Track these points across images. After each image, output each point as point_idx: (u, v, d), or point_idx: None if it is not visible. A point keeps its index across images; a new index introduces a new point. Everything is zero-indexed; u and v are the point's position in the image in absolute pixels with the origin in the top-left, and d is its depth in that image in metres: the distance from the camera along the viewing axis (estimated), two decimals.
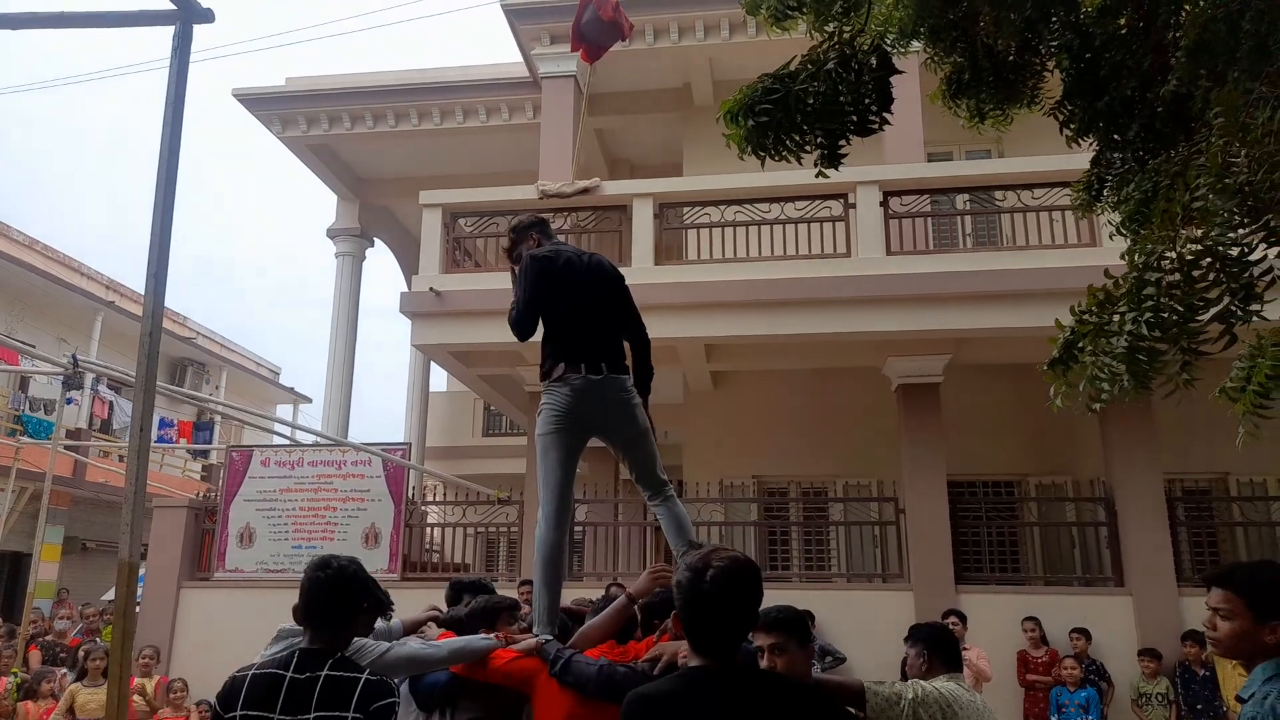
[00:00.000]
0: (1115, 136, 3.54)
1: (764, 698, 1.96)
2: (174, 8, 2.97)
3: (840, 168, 3.38)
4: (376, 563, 9.24)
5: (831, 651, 7.93)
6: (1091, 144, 3.72)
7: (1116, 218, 3.39)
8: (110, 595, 11.76)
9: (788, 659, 2.60)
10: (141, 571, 7.98)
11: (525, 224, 3.78)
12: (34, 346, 13.88)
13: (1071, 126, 3.66)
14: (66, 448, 14.22)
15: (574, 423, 3.29)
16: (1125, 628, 7.99)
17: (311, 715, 2.28)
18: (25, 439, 13.26)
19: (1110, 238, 6.82)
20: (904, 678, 3.48)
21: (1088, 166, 3.80)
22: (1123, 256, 2.71)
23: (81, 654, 7.47)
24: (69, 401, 13.72)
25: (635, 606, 3.06)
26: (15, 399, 16.40)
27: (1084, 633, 7.77)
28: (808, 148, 3.32)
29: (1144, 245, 2.63)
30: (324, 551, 3.03)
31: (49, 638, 9.53)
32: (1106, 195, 3.66)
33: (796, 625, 2.67)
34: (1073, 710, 7.22)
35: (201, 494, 12.46)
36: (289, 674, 2.36)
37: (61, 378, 7.83)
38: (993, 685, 7.29)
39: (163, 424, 18.87)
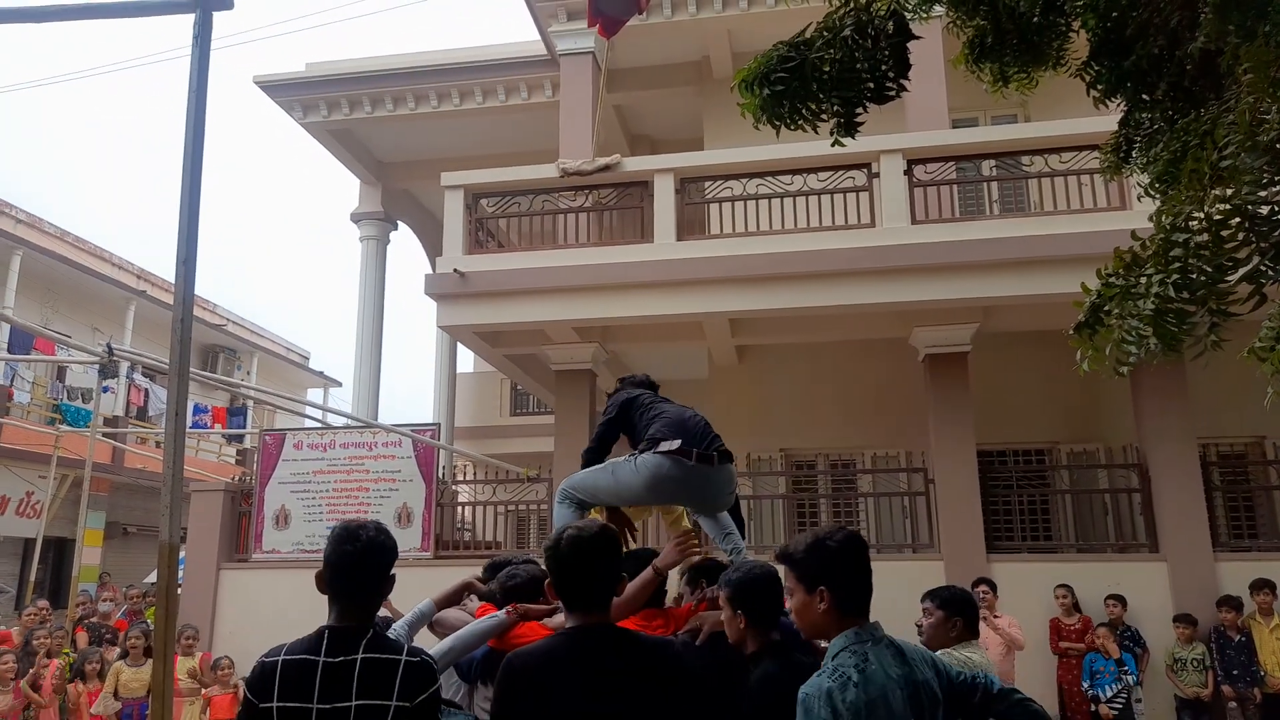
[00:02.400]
0: (1143, 96, 3.48)
1: (620, 652, 2.24)
2: None
3: (858, 136, 3.35)
4: (409, 542, 9.38)
5: None
6: (1119, 105, 3.65)
7: (1145, 179, 3.34)
8: (152, 577, 12.04)
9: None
10: (181, 554, 8.15)
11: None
12: (69, 337, 14.15)
13: (1098, 87, 3.60)
14: (104, 435, 14.53)
15: (666, 495, 3.46)
16: (1160, 594, 7.94)
17: (353, 703, 2.15)
18: (64, 427, 13.56)
19: (1139, 199, 6.71)
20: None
21: (1115, 128, 3.73)
22: (1150, 218, 2.67)
23: (124, 635, 7.69)
24: (105, 390, 14.01)
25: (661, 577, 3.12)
26: (53, 388, 16.74)
27: (1120, 599, 7.73)
28: (824, 116, 3.29)
29: (1172, 206, 2.60)
30: None
31: (94, 619, 9.77)
32: (1135, 156, 3.60)
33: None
34: (1107, 676, 7.19)
35: (237, 478, 12.68)
36: (321, 659, 2.20)
37: (97, 367, 7.98)
38: (1025, 653, 7.28)
39: (197, 410, 19.20)
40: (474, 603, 3.46)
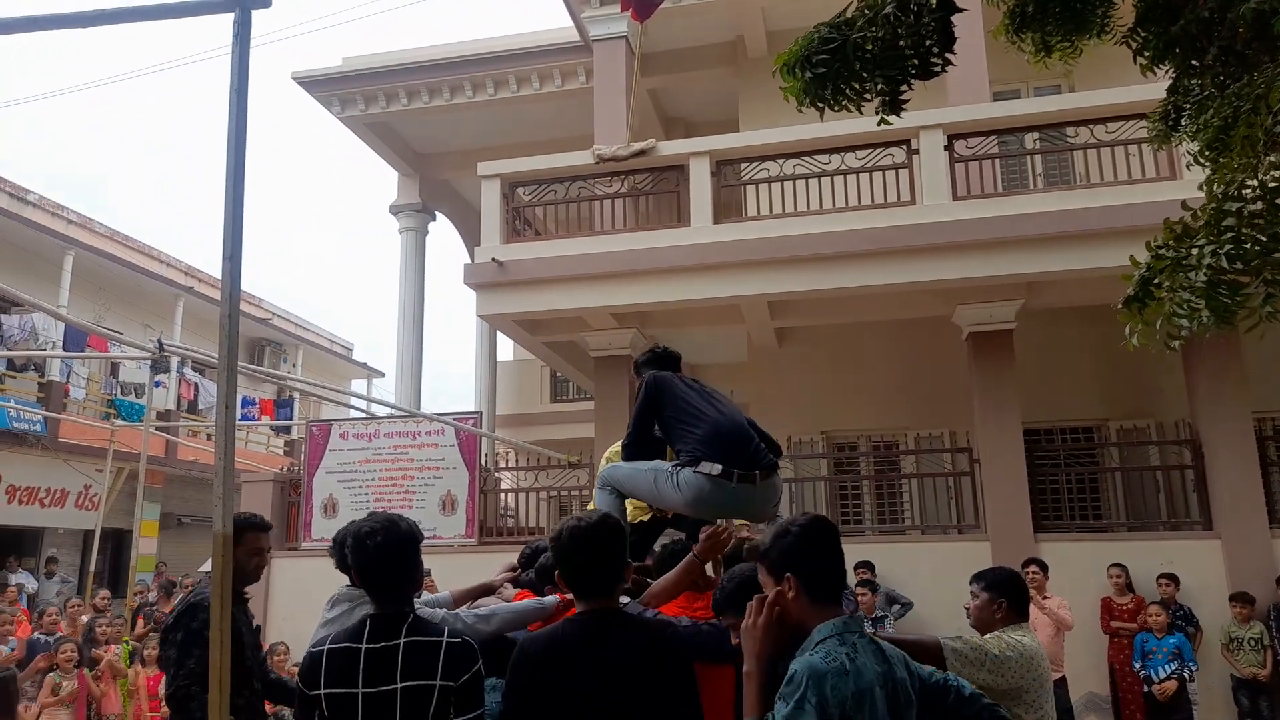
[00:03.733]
0: (1193, 62, 3.38)
1: (624, 635, 2.33)
2: None
3: (902, 114, 3.30)
4: (454, 529, 9.52)
5: (898, 598, 7.92)
6: (1167, 71, 3.55)
7: (1195, 147, 3.25)
8: (206, 566, 12.35)
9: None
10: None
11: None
12: (122, 333, 14.52)
13: (1145, 54, 3.50)
14: (157, 429, 14.91)
15: (708, 513, 3.38)
16: (1215, 572, 7.77)
17: (399, 686, 2.21)
18: (119, 422, 13.92)
19: (1188, 168, 6.52)
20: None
21: (1164, 95, 3.64)
22: (1201, 187, 2.60)
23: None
24: (157, 384, 14.36)
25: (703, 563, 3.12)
26: (107, 384, 17.21)
27: (1172, 578, 7.58)
28: (868, 95, 3.24)
29: (1224, 174, 2.53)
30: None
31: (153, 607, 10.06)
32: (1184, 124, 3.50)
33: (735, 600, 2.52)
34: (1160, 657, 7.06)
35: (285, 468, 12.93)
36: (364, 645, 2.28)
37: (149, 362, 8.18)
38: (1075, 634, 7.19)
39: (245, 403, 19.61)
40: (509, 590, 3.49)
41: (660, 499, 3.40)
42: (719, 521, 3.60)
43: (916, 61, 3.19)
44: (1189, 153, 3.45)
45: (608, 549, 2.42)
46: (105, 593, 9.38)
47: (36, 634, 8.04)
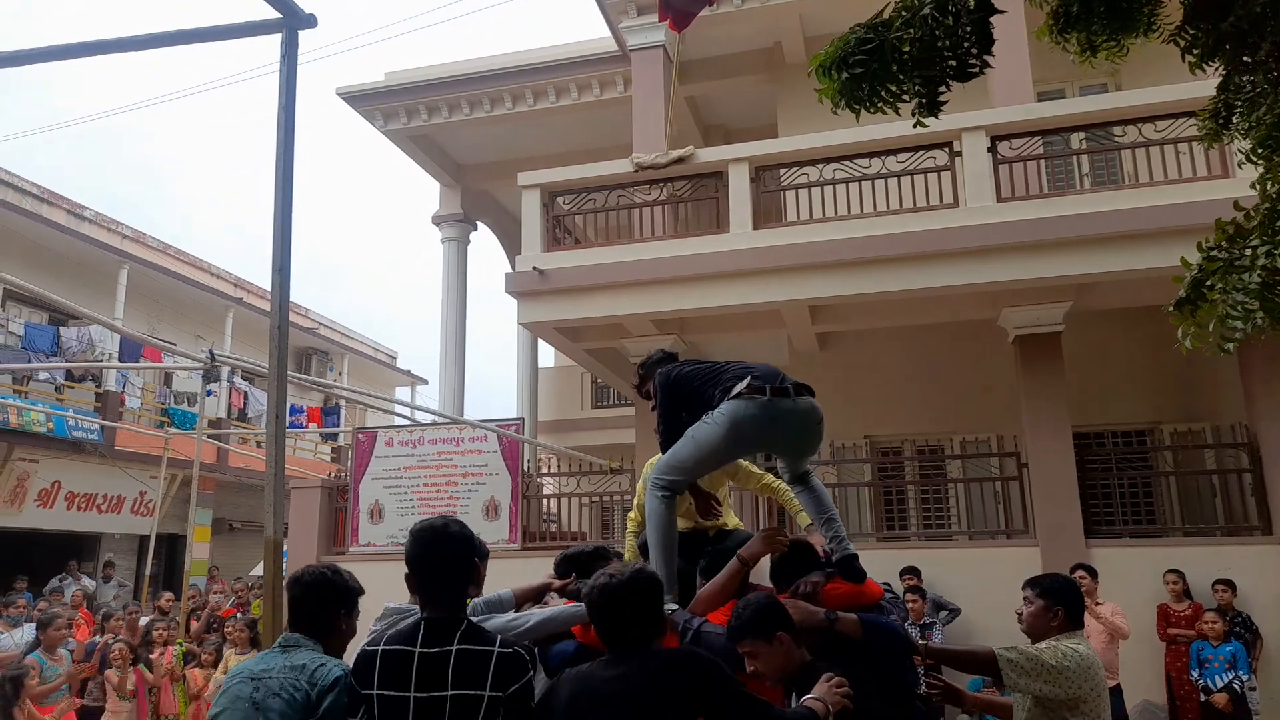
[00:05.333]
0: (1244, 58, 3.30)
1: (646, 668, 2.32)
2: (279, 15, 3.12)
3: (941, 115, 3.27)
4: (497, 534, 9.59)
5: (945, 605, 7.81)
6: (1217, 68, 3.47)
7: (1247, 145, 3.18)
8: (258, 570, 12.59)
9: (761, 659, 2.61)
10: (284, 548, 8.52)
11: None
12: (175, 344, 14.90)
13: (1195, 52, 3.43)
14: (209, 436, 15.25)
15: (752, 444, 3.40)
16: (1274, 577, 7.54)
17: (449, 693, 2.23)
18: (173, 430, 14.27)
19: (1240, 166, 6.36)
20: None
21: (1214, 92, 3.56)
22: (1253, 186, 2.54)
23: (231, 625, 8.10)
24: (209, 394, 14.69)
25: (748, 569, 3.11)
26: (160, 393, 17.65)
27: (1229, 584, 7.37)
28: (905, 97, 3.22)
29: (1277, 172, 2.47)
30: None
31: (208, 610, 10.28)
32: (1236, 121, 3.42)
33: (751, 628, 2.62)
34: (1217, 665, 6.87)
35: (332, 474, 13.16)
36: (418, 649, 2.29)
37: (201, 372, 8.38)
38: (1129, 641, 7.02)
39: (293, 410, 19.97)
40: (556, 599, 3.50)
41: (703, 451, 3.30)
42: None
43: (954, 63, 3.17)
44: (1240, 151, 3.38)
45: (640, 605, 2.41)
46: (169, 595, 9.61)
47: (96, 637, 8.26)
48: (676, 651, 2.47)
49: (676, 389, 3.46)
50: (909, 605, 7.44)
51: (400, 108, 12.46)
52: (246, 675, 2.33)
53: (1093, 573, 7.10)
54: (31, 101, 64.57)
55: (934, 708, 3.34)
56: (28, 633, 8.12)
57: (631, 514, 4.45)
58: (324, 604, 2.49)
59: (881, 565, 7.58)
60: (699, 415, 3.34)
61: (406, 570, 2.47)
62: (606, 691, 2.29)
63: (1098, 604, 6.86)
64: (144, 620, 8.53)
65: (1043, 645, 3.11)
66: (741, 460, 4.15)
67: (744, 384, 3.18)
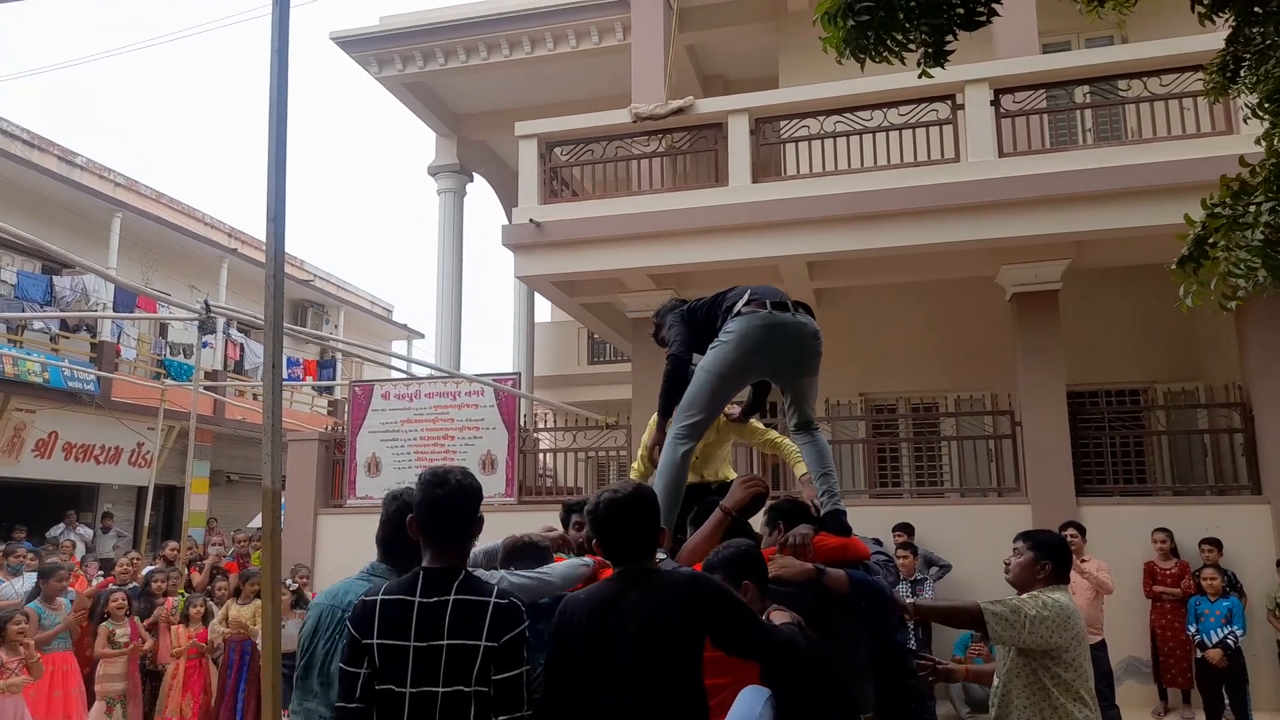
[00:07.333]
0: (1255, 9, 3.24)
1: (650, 588, 2.41)
2: None
3: (946, 66, 3.21)
4: (494, 488, 9.65)
5: (936, 561, 7.89)
6: (1227, 20, 3.41)
7: (1254, 99, 3.13)
8: (257, 522, 12.68)
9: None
10: (282, 500, 8.56)
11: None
12: (169, 295, 14.81)
13: (1204, 2, 3.36)
14: (206, 388, 15.25)
15: (759, 358, 3.51)
16: (1262, 537, 7.63)
17: (444, 643, 2.24)
18: (169, 381, 14.26)
19: (1246, 121, 6.29)
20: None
21: (1222, 45, 3.49)
22: (1258, 141, 2.51)
23: (239, 578, 8.16)
24: (204, 345, 14.65)
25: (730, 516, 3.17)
26: (156, 344, 17.60)
27: (1215, 542, 7.45)
28: (911, 46, 3.16)
29: None
30: None
31: (211, 561, 10.36)
32: (1243, 75, 3.37)
33: (722, 567, 2.74)
34: (1212, 620, 6.97)
35: (329, 427, 13.19)
36: (417, 599, 2.30)
37: (196, 323, 8.34)
38: (1115, 598, 7.12)
39: (290, 363, 19.95)
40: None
41: (716, 376, 3.48)
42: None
43: (962, 10, 3.10)
44: (1247, 105, 3.33)
45: (643, 517, 2.51)
46: (174, 544, 9.66)
47: (110, 585, 8.27)
48: (682, 574, 2.53)
49: (692, 316, 3.74)
50: (900, 561, 7.51)
51: (395, 53, 12.25)
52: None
53: (1082, 530, 7.17)
54: (27, 44, 63.42)
55: (926, 686, 3.43)
56: (28, 581, 8.17)
57: (635, 465, 4.52)
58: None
59: (874, 521, 7.65)
60: (705, 350, 3.57)
61: (415, 515, 2.43)
62: (615, 616, 2.37)
63: (1084, 561, 6.94)
64: (145, 570, 8.59)
65: (1025, 596, 3.18)
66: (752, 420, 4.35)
67: (744, 300, 3.42)
